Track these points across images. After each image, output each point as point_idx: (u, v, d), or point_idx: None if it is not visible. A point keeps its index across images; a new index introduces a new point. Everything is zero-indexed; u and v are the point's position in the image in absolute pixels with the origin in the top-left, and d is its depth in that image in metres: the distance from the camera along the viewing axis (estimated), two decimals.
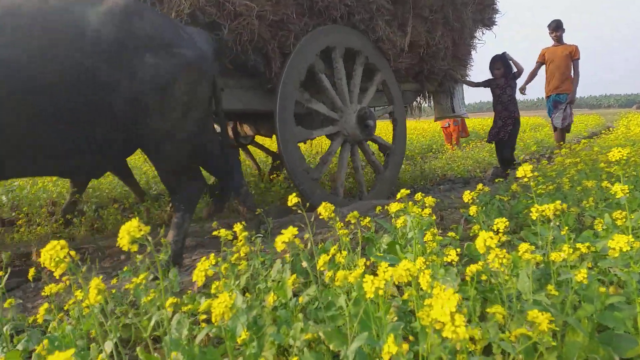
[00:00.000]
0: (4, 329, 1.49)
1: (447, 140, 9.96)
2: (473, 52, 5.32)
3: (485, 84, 5.52)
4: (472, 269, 1.06)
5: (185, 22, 2.96)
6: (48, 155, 2.30)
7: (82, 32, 2.21)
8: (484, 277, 1.18)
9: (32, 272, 1.67)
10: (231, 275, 1.41)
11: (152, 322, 0.97)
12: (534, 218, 1.25)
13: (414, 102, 5.35)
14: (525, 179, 1.34)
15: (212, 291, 1.29)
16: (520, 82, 5.65)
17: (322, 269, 1.22)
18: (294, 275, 1.38)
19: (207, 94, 2.68)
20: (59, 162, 2.37)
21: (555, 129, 6.00)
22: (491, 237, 0.92)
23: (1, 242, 3.41)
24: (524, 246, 1.23)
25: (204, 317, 0.99)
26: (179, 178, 2.63)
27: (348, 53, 3.98)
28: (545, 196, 2.72)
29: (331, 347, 1.15)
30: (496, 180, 3.45)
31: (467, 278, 1.09)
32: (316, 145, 7.51)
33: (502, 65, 5.30)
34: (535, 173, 1.33)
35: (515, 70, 5.37)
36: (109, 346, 1.05)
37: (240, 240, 1.77)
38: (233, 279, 1.39)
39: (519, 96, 5.59)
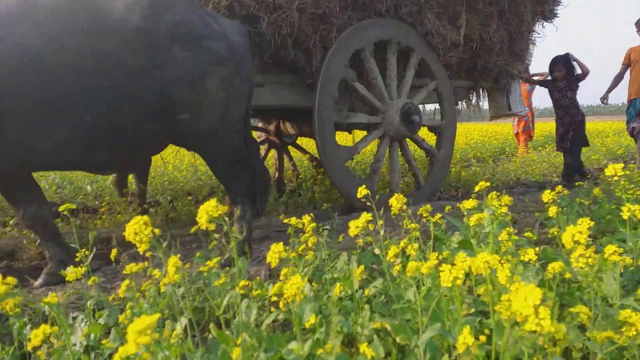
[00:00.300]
0: (87, 303, 1.59)
1: (520, 144, 9.51)
2: (532, 47, 4.98)
3: (543, 84, 5.16)
4: (554, 266, 1.00)
5: (222, 15, 2.88)
6: (74, 144, 2.21)
7: (109, 21, 2.15)
8: (567, 276, 1.11)
9: (114, 252, 1.77)
10: (299, 264, 1.42)
11: (225, 302, 1.00)
12: (625, 218, 1.16)
13: (471, 101, 5.05)
14: (615, 178, 1.25)
15: (281, 277, 1.31)
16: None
17: (391, 260, 1.20)
18: (362, 267, 1.37)
19: (245, 89, 2.58)
20: (86, 150, 2.27)
21: (636, 139, 5.48)
22: (580, 232, 0.86)
23: (85, 227, 3.65)
24: (611, 248, 1.15)
25: (274, 298, 1.00)
26: (229, 173, 2.59)
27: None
28: (632, 202, 2.53)
29: (398, 339, 1.13)
30: (577, 183, 3.25)
31: (549, 275, 1.02)
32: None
33: (564, 67, 4.88)
34: (627, 171, 1.24)
35: (579, 72, 4.94)
36: (183, 322, 1.09)
37: (308, 232, 1.79)
38: (301, 267, 1.41)
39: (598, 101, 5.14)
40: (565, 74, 4.87)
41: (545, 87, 5.12)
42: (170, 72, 2.26)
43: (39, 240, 3.12)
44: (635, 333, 0.87)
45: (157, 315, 0.65)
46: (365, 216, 0.92)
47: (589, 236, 1.70)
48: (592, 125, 16.25)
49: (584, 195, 2.87)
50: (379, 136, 3.82)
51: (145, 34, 2.20)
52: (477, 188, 1.41)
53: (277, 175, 5.06)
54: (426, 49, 4.00)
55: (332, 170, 3.49)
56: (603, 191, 2.89)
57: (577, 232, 0.86)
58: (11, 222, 3.64)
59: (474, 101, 5.06)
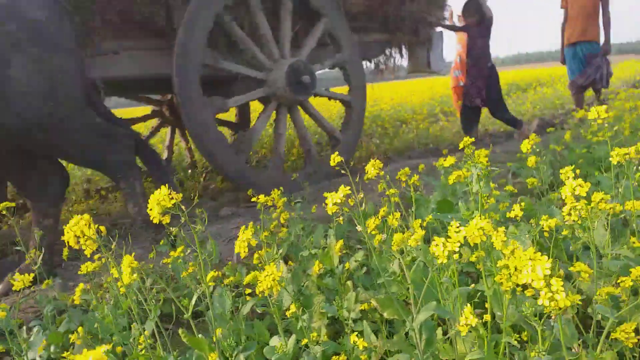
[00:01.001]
0: (45, 310, 1.45)
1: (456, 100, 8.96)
2: None
3: (461, 29, 4.88)
4: (550, 224, 0.92)
5: None
6: None
7: None
8: (565, 233, 1.04)
9: (65, 252, 1.61)
10: (273, 243, 1.31)
11: (193, 301, 0.88)
12: (615, 163, 1.09)
13: (389, 58, 4.59)
14: (600, 121, 1.17)
15: (255, 262, 1.20)
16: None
17: (373, 232, 1.10)
18: (341, 241, 1.27)
19: (70, 65, 2.27)
20: None
21: (577, 89, 5.01)
22: (581, 185, 0.77)
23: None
24: (598, 195, 1.08)
25: (249, 291, 0.89)
26: (92, 152, 2.34)
27: None
28: (603, 144, 2.51)
29: (385, 315, 1.05)
30: (547, 130, 3.22)
31: (545, 234, 0.94)
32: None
33: (476, 12, 4.57)
34: (611, 113, 1.16)
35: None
36: (149, 326, 0.97)
37: (279, 207, 1.68)
38: (275, 248, 1.30)
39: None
40: (478, 20, 4.58)
41: (465, 32, 4.89)
42: None
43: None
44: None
45: (104, 347, 0.52)
46: (344, 190, 0.81)
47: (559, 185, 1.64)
48: (553, 70, 16.47)
49: (555, 142, 2.84)
50: (261, 96, 3.27)
51: None
52: (461, 145, 1.32)
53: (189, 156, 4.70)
54: None
55: (198, 133, 2.93)
56: (572, 136, 2.88)
57: (578, 185, 0.77)
58: None
59: (395, 59, 4.61)
